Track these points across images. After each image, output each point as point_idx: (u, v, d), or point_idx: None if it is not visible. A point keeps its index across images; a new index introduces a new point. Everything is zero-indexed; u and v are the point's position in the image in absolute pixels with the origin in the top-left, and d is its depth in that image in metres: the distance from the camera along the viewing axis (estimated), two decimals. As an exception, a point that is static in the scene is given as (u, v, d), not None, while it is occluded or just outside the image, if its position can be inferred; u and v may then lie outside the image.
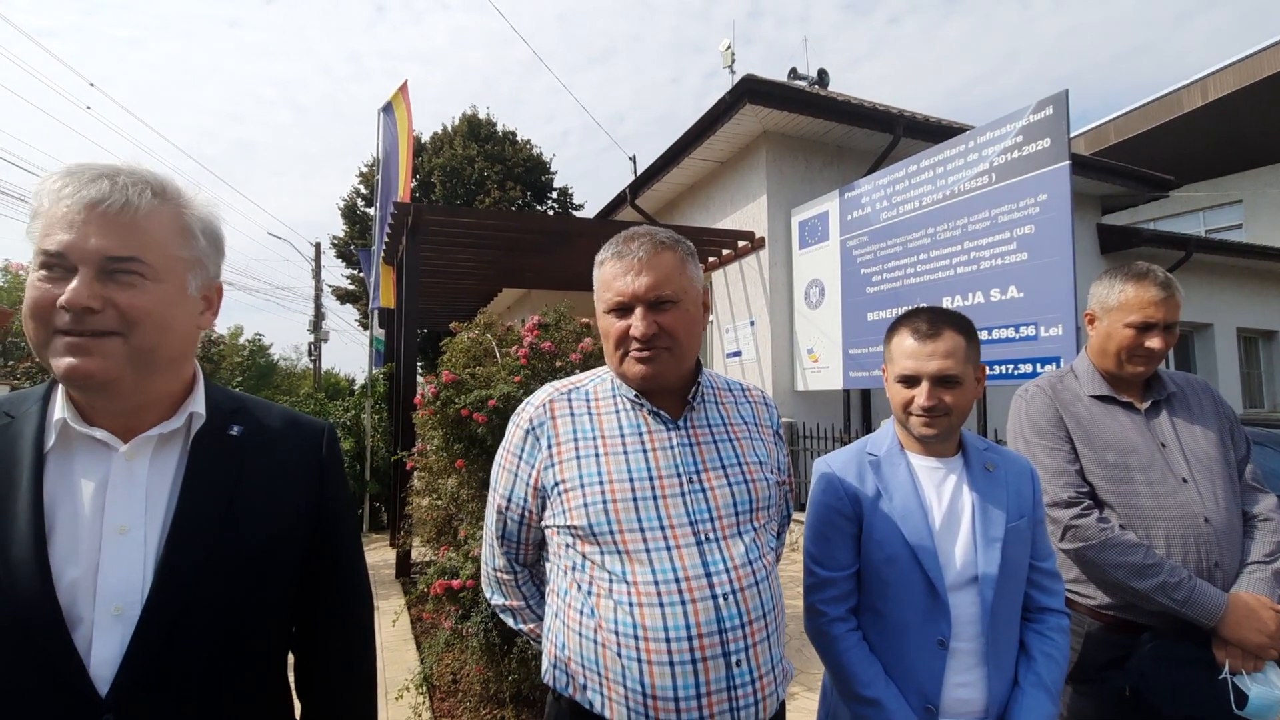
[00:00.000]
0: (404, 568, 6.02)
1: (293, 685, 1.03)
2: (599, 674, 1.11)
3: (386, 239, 7.70)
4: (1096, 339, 1.81)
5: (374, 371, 9.70)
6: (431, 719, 3.17)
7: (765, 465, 1.26)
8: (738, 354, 7.87)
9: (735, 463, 1.22)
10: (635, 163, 11.78)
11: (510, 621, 1.39)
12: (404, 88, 8.38)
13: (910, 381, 1.39)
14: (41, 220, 0.81)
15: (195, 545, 0.84)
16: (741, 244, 7.60)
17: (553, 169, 24.33)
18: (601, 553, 1.13)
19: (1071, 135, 4.90)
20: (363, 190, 23.45)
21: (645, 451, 1.19)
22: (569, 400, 1.27)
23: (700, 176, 8.64)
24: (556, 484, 1.19)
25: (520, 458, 1.26)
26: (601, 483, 1.16)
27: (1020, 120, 4.93)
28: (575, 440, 1.21)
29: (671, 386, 1.24)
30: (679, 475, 1.17)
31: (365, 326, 22.99)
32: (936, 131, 7.32)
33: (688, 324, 1.21)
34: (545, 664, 1.24)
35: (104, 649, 0.78)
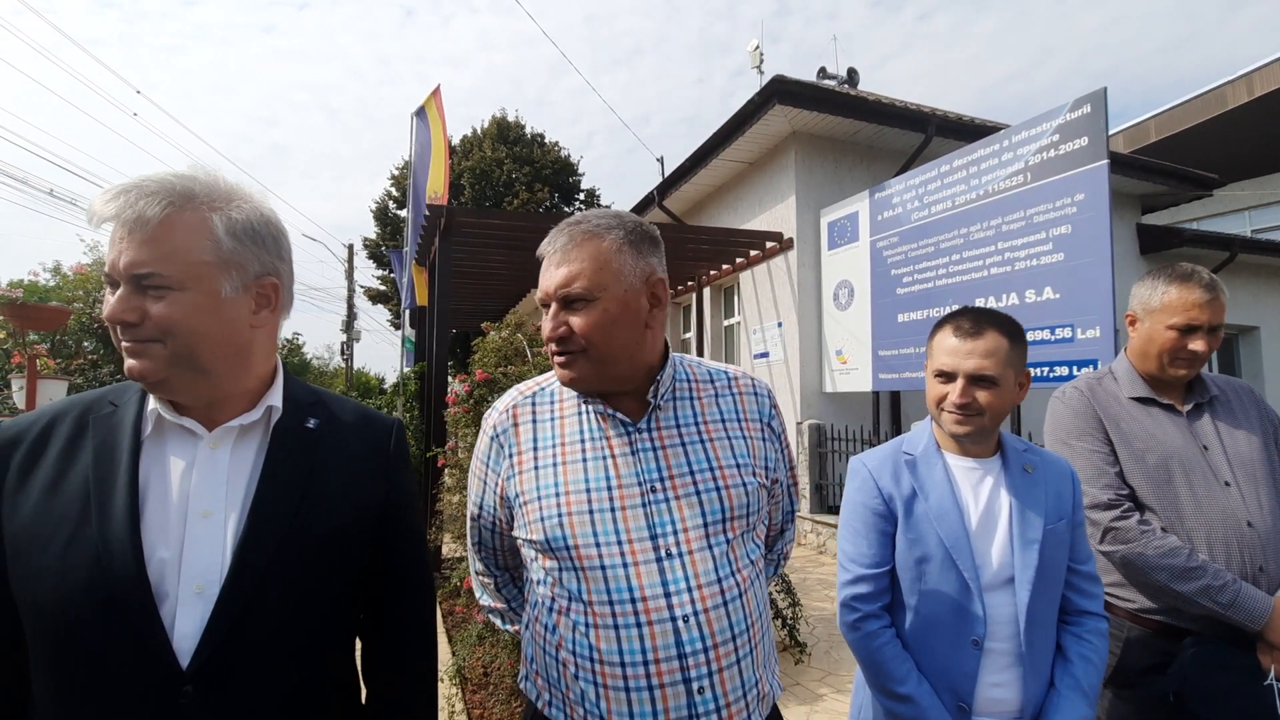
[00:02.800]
0: (435, 563, 6.14)
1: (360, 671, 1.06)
2: (561, 693, 1.07)
3: (420, 240, 7.83)
4: (1137, 340, 1.79)
5: (406, 370, 9.86)
6: (464, 710, 3.23)
7: (745, 467, 1.13)
8: (765, 355, 7.85)
9: (706, 468, 1.10)
10: (663, 164, 11.81)
11: (498, 622, 1.37)
12: (437, 92, 8.51)
13: (946, 377, 1.39)
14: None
15: (270, 530, 0.88)
16: (770, 245, 7.58)
17: (580, 170, 24.48)
18: (560, 569, 1.06)
19: (1110, 132, 4.80)
20: (394, 193, 23.84)
21: (605, 459, 1.09)
22: (533, 404, 1.19)
23: (728, 177, 8.63)
24: (517, 495, 1.12)
25: (488, 465, 1.19)
26: (558, 494, 1.07)
27: (1057, 118, 4.85)
28: (535, 449, 1.13)
29: (617, 388, 1.12)
30: (639, 484, 1.07)
31: (396, 326, 23.37)
32: (969, 130, 7.23)
33: (606, 324, 1.06)
34: (521, 671, 1.20)
35: (186, 624, 0.83)
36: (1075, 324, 4.69)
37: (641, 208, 10.19)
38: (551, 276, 1.09)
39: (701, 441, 1.14)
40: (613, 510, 1.05)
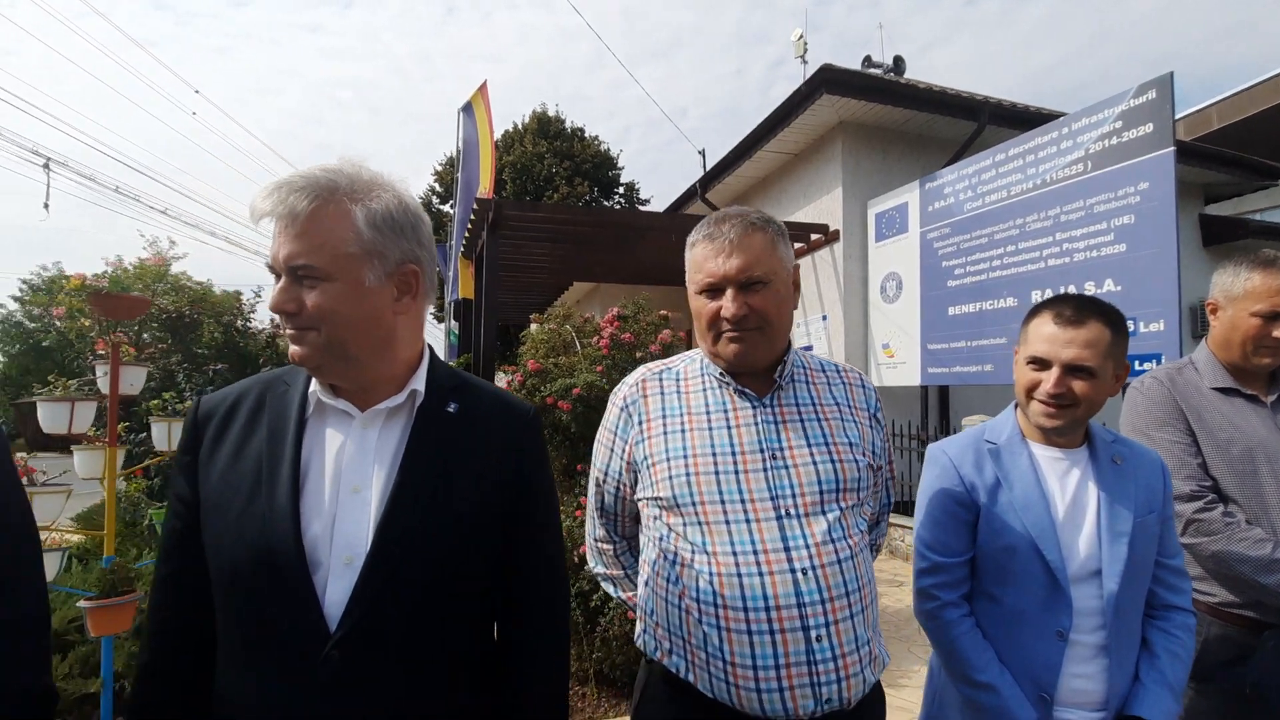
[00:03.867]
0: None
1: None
2: (683, 640, 1.15)
3: (467, 234, 7.97)
4: (1220, 329, 1.74)
5: (451, 363, 10.06)
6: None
7: (856, 447, 1.24)
8: (809, 349, 7.79)
9: (822, 442, 1.21)
10: (704, 157, 11.75)
11: (611, 590, 1.45)
12: (483, 88, 8.62)
13: (1041, 365, 1.36)
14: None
15: (411, 508, 0.93)
16: (815, 237, 7.51)
17: (619, 165, 24.52)
18: (684, 524, 1.16)
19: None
20: (437, 188, 24.23)
21: (729, 428, 1.21)
22: (660, 380, 1.33)
23: (772, 169, 8.57)
24: (645, 458, 1.24)
25: (615, 434, 1.32)
26: (685, 456, 1.19)
27: (1120, 105, 4.69)
28: (664, 417, 1.26)
29: (761, 366, 1.24)
30: (761, 451, 1.18)
31: (439, 319, 23.78)
32: (1024, 118, 7.03)
33: (778, 304, 1.21)
34: (638, 629, 1.28)
35: (335, 592, 0.89)
36: (1138, 317, 4.54)
37: (683, 201, 10.18)
38: (729, 263, 1.19)
39: (818, 420, 1.25)
40: (736, 472, 1.16)
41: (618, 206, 24.59)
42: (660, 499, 1.19)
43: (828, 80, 6.60)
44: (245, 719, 0.88)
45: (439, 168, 24.22)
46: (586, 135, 24.15)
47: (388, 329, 0.98)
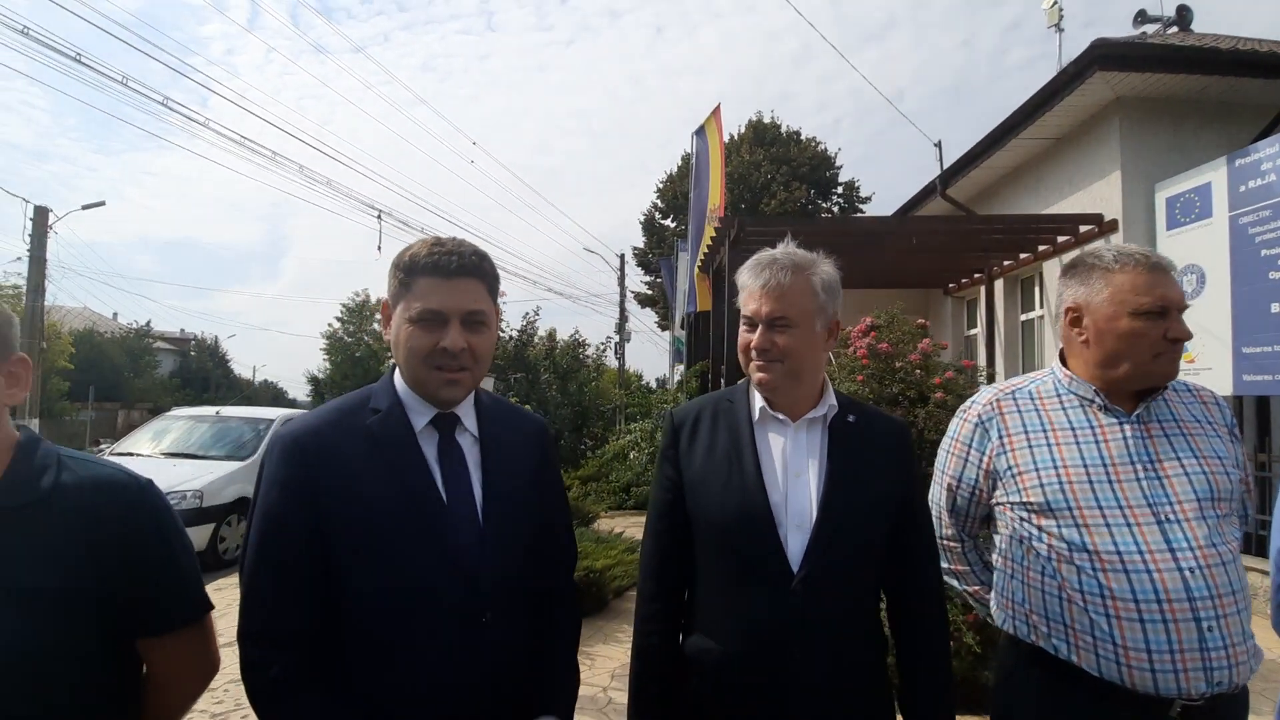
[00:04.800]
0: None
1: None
2: (1064, 625, 1.29)
3: (706, 249, 8.50)
4: None
5: (691, 369, 10.69)
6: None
7: (1226, 459, 1.33)
8: (1078, 352, 7.03)
9: (1191, 455, 1.31)
10: (941, 149, 11.06)
11: (955, 584, 1.65)
12: (717, 111, 9.14)
13: None
14: (742, 295, 1.37)
15: (841, 491, 1.28)
16: (1085, 229, 6.78)
17: (837, 163, 23.89)
18: (1059, 525, 1.31)
19: None
20: (659, 204, 25.65)
21: (1098, 442, 1.34)
22: (1014, 399, 1.48)
23: (1028, 157, 7.88)
24: (1009, 468, 1.40)
25: (970, 446, 1.50)
26: (1055, 467, 1.34)
27: None
28: (1025, 432, 1.41)
29: (1132, 388, 1.36)
30: (1133, 463, 1.30)
31: (663, 328, 25.21)
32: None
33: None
34: (1000, 615, 1.47)
35: (794, 546, 1.26)
36: None
37: (919, 200, 9.74)
38: (1172, 290, 1.33)
39: (1184, 435, 1.36)
40: (1110, 482, 1.30)
41: (837, 207, 23.93)
42: (1030, 504, 1.36)
43: (1101, 56, 5.96)
44: (733, 626, 1.28)
45: (660, 185, 25.62)
46: (803, 137, 23.90)
47: (820, 362, 1.35)
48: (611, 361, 21.55)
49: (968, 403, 1.57)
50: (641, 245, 26.44)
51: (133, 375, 33.19)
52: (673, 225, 24.61)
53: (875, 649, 1.35)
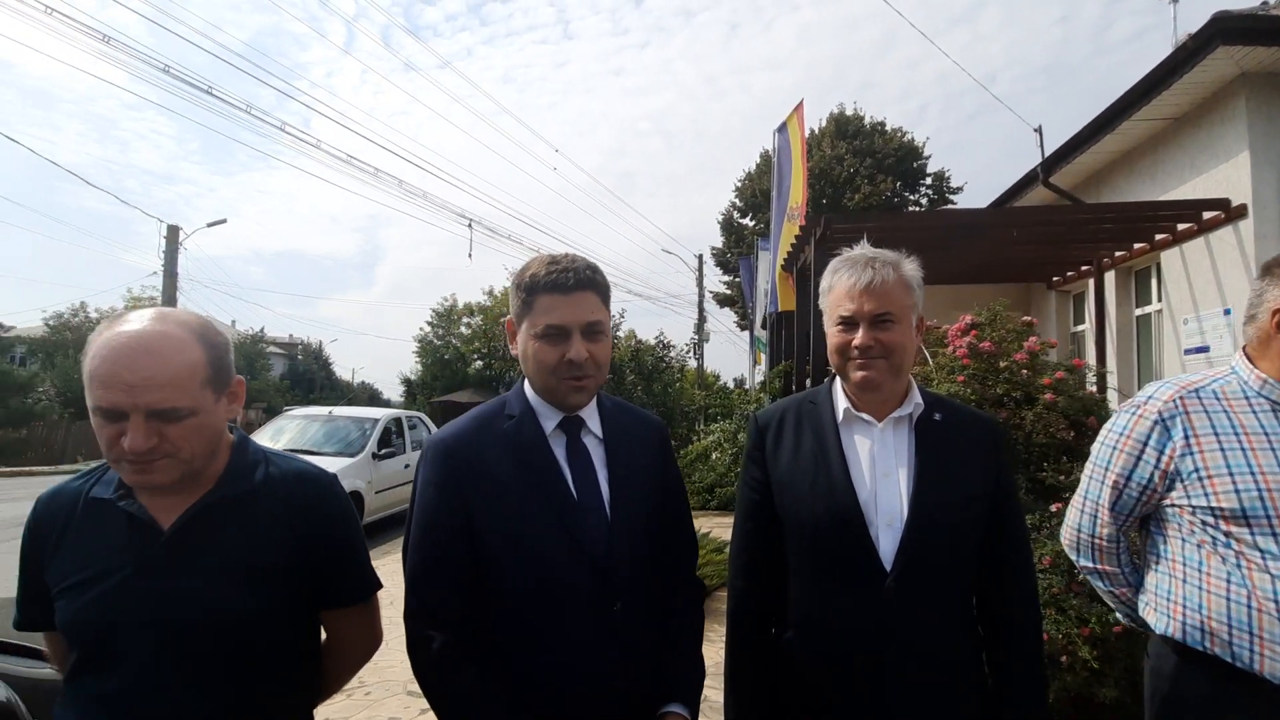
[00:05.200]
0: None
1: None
2: (1249, 633, 1.26)
3: (789, 248, 8.41)
4: None
5: (774, 369, 10.60)
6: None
7: None
8: (1204, 350, 6.50)
9: None
10: (1041, 135, 10.43)
11: (1100, 585, 1.61)
12: (799, 108, 9.00)
13: None
14: (832, 296, 1.39)
15: (932, 489, 1.30)
16: (1208, 215, 6.26)
17: (925, 154, 22.96)
18: (1252, 534, 1.28)
19: None
20: (737, 203, 25.46)
21: None
22: (1198, 398, 1.42)
23: (1142, 140, 7.34)
24: (1195, 470, 1.35)
25: (1145, 443, 1.44)
26: (1253, 473, 1.30)
27: None
28: (1215, 434, 1.36)
29: None
30: None
31: (741, 328, 25.01)
32: None
33: None
34: (1160, 620, 1.42)
35: (885, 545, 1.29)
36: None
37: (1018, 190, 9.25)
38: None
39: None
40: None
41: (925, 199, 23.01)
42: (1220, 510, 1.32)
43: (1223, 30, 5.48)
44: (828, 625, 1.31)
45: (738, 184, 25.43)
46: (888, 128, 23.10)
47: (912, 357, 1.37)
48: (691, 363, 21.58)
49: (1140, 398, 1.50)
50: (719, 245, 26.33)
51: (249, 378, 36.09)
52: (751, 224, 24.36)
53: (971, 649, 1.36)
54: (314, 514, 1.21)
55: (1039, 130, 10.22)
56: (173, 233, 18.39)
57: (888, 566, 1.27)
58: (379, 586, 1.33)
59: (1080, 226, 7.44)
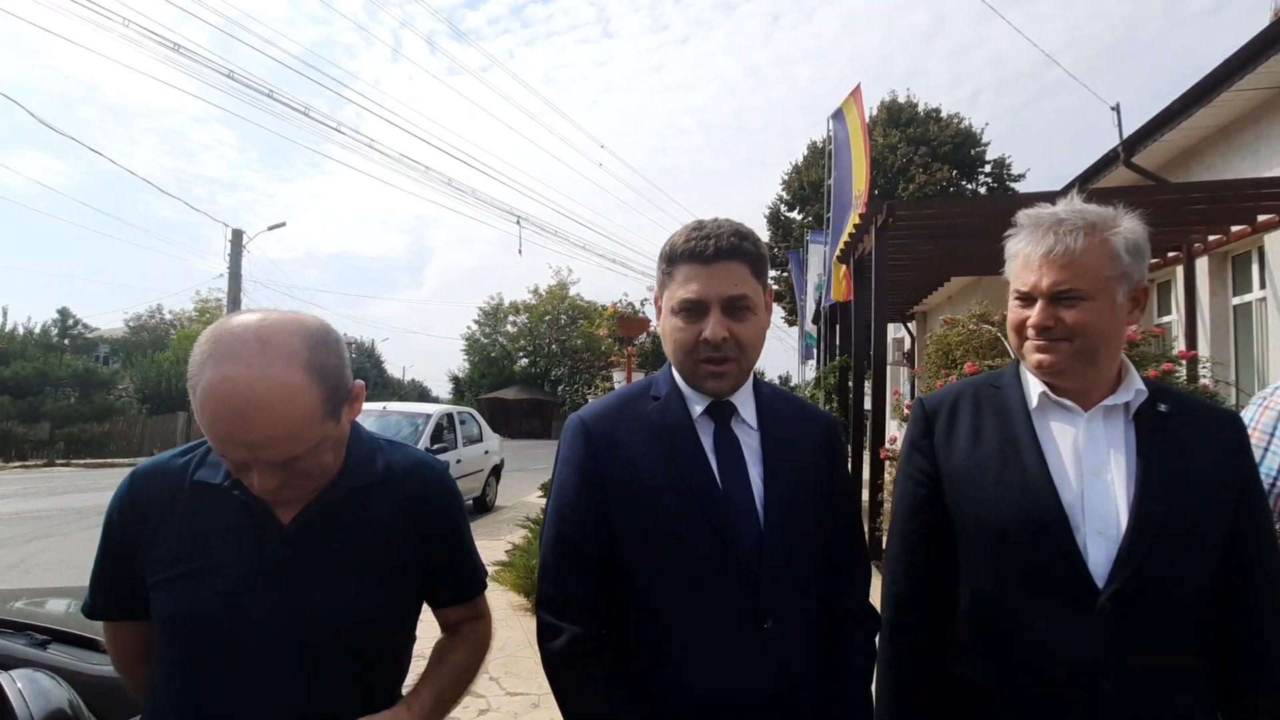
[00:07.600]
0: (876, 554, 6.28)
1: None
2: None
3: (846, 238, 8.09)
4: None
5: (830, 363, 10.28)
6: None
7: None
8: (1314, 339, 5.95)
9: None
10: (1119, 113, 9.81)
11: None
12: (856, 92, 8.64)
13: None
14: (1014, 265, 1.18)
15: (1161, 492, 1.06)
16: (1322, 192, 5.72)
17: (984, 140, 22.08)
18: None
19: None
20: (785, 196, 24.98)
21: None
22: None
23: (1238, 114, 6.76)
24: None
25: (1272, 435, 1.37)
26: None
27: None
28: None
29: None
30: None
31: (790, 323, 24.50)
32: None
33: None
34: None
35: (1096, 554, 1.05)
36: None
37: (1096, 171, 8.70)
38: None
39: None
40: None
41: (984, 188, 22.13)
42: None
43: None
44: (1019, 651, 1.08)
45: (785, 177, 24.93)
46: (943, 115, 22.29)
47: (1120, 340, 1.13)
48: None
49: (1269, 389, 1.45)
50: (766, 239, 25.88)
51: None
52: (800, 217, 23.84)
53: (1205, 691, 1.10)
54: (433, 507, 1.15)
55: (1116, 108, 9.62)
56: (237, 236, 19.02)
57: (1100, 582, 1.04)
58: (485, 585, 1.27)
59: (1167, 209, 6.88)
